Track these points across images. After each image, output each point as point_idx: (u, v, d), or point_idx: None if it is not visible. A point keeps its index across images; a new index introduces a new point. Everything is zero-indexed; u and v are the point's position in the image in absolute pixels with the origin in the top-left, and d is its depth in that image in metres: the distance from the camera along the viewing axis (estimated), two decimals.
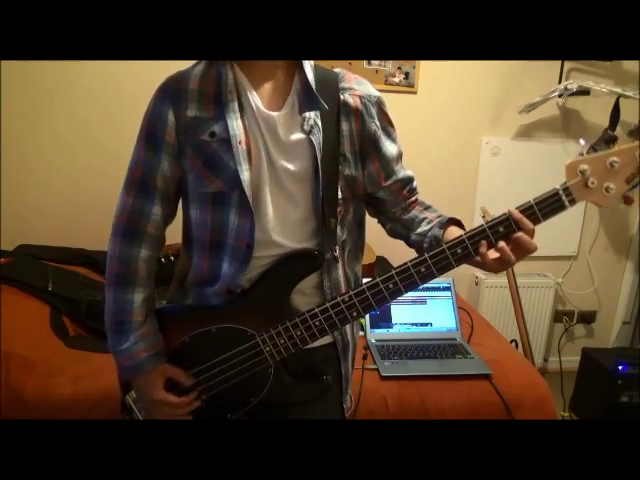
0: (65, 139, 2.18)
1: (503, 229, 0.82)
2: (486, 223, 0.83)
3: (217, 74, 0.87)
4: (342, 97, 0.91)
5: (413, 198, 1.02)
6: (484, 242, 0.82)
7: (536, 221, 0.82)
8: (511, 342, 2.16)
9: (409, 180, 1.01)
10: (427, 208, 1.02)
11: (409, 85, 2.36)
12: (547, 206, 0.81)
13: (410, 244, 1.02)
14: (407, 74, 2.34)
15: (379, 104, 0.95)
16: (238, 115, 0.86)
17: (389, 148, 0.97)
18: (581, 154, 0.83)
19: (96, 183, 2.19)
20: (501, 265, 0.83)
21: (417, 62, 2.33)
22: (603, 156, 0.80)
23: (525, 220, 0.81)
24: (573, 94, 2.29)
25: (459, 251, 0.83)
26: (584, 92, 2.29)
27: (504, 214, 0.82)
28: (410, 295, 1.83)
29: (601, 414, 2.20)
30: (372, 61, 2.29)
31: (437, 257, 0.84)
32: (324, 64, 0.94)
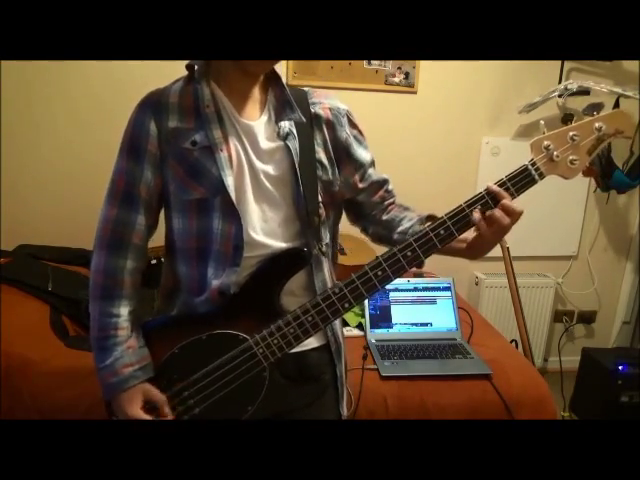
0: (65, 139, 2.18)
1: (493, 201, 0.86)
2: (465, 202, 0.87)
3: (194, 90, 0.90)
4: (313, 110, 0.96)
5: (391, 200, 1.06)
6: (477, 209, 0.86)
7: (510, 197, 0.86)
8: (511, 342, 2.16)
9: (384, 182, 1.05)
10: (406, 209, 1.05)
11: (409, 85, 2.36)
12: (519, 181, 0.87)
13: (393, 245, 1.03)
14: (407, 74, 2.34)
15: (348, 115, 0.99)
16: (217, 126, 0.89)
17: (362, 154, 1.01)
18: (543, 133, 0.89)
19: (96, 183, 2.15)
20: (497, 229, 0.85)
21: (417, 62, 2.33)
22: (563, 131, 0.87)
23: (502, 191, 0.86)
24: (573, 94, 2.29)
25: (442, 232, 0.87)
26: (584, 92, 2.29)
27: (481, 192, 0.87)
28: (410, 295, 1.84)
29: (601, 414, 2.20)
30: (372, 61, 2.29)
31: (421, 240, 0.87)
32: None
